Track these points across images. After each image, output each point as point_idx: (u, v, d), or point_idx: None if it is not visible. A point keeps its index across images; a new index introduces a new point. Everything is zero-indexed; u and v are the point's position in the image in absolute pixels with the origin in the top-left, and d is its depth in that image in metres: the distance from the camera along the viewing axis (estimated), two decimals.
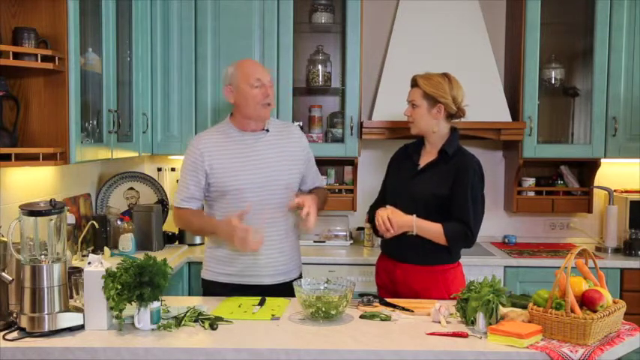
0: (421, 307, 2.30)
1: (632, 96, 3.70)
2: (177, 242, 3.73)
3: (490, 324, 2.01)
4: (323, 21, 3.89)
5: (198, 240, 3.71)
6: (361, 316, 2.21)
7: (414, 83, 2.64)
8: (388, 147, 3.66)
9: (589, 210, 3.88)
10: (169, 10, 3.67)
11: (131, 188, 3.75)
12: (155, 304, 2.03)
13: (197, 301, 2.35)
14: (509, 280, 3.54)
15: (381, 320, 2.17)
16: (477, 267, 3.44)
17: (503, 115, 3.70)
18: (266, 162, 2.55)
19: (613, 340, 1.97)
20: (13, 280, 2.05)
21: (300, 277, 2.68)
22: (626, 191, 3.89)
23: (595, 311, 1.95)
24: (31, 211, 1.99)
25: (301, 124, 3.94)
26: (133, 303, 2.01)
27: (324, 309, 2.12)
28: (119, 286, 1.97)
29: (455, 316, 2.20)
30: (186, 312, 2.14)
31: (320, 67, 3.89)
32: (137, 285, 1.98)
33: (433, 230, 2.52)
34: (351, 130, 3.74)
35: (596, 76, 3.71)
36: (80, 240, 3.15)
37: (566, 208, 3.91)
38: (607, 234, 3.82)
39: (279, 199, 2.55)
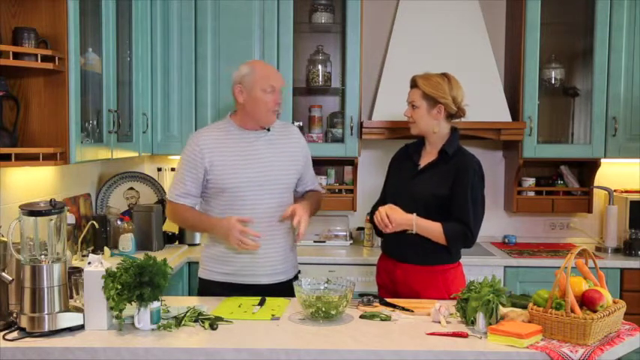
0: (421, 307, 2.30)
1: (632, 96, 3.70)
2: (177, 242, 3.73)
3: (490, 324, 2.01)
4: (323, 21, 3.90)
5: (198, 240, 3.71)
6: (361, 316, 2.21)
7: (414, 84, 2.64)
8: (388, 147, 3.66)
9: (589, 210, 3.88)
10: (169, 10, 3.67)
11: (131, 188, 3.75)
12: (155, 304, 2.03)
13: (197, 301, 2.35)
14: (509, 280, 3.54)
15: (381, 320, 2.17)
16: (477, 267, 3.44)
17: (503, 115, 3.70)
18: (266, 161, 2.55)
19: (613, 340, 1.97)
20: (13, 280, 2.05)
21: (297, 276, 2.68)
22: (626, 191, 3.89)
23: (595, 311, 1.95)
24: (31, 211, 1.99)
25: (301, 124, 3.94)
26: (133, 303, 2.01)
27: (324, 309, 2.12)
28: (119, 286, 1.97)
29: (455, 316, 2.20)
30: (186, 312, 2.14)
31: (320, 67, 3.89)
32: (137, 285, 1.98)
33: (433, 229, 2.52)
34: (351, 130, 3.74)
35: (596, 76, 3.71)
36: (80, 240, 3.15)
37: (566, 208, 3.92)
38: (607, 234, 3.82)
39: (277, 198, 2.56)
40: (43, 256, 2.00)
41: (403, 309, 2.28)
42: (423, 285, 2.56)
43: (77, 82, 2.65)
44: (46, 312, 1.96)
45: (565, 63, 3.93)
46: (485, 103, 3.58)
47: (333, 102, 4.09)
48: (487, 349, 1.90)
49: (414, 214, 2.52)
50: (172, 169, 4.00)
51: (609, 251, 3.78)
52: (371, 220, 2.69)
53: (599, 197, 4.00)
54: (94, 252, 3.17)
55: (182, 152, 2.59)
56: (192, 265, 3.44)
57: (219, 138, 2.55)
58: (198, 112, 3.71)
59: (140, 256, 2.16)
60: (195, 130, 3.64)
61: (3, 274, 2.03)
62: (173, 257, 3.30)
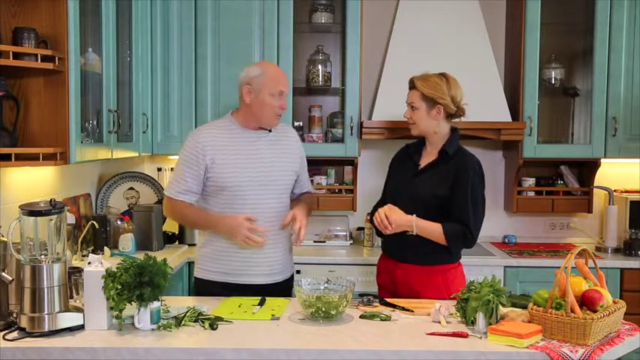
0: (421, 307, 2.30)
1: (632, 96, 3.71)
2: (177, 242, 3.73)
3: (490, 324, 2.01)
4: (323, 21, 3.90)
5: (198, 240, 3.70)
6: (361, 316, 2.21)
7: (412, 85, 2.64)
8: (388, 147, 3.67)
9: (589, 210, 3.88)
10: (169, 10, 3.67)
11: (131, 188, 3.75)
12: (155, 304, 2.03)
13: (197, 301, 2.35)
14: (509, 280, 3.54)
15: (381, 320, 2.18)
16: (477, 267, 3.44)
17: (503, 115, 3.70)
18: (267, 161, 2.55)
19: (613, 340, 1.97)
20: (13, 280, 2.05)
21: (292, 277, 2.68)
22: (626, 191, 3.89)
23: (595, 311, 1.95)
24: (31, 211, 1.99)
25: (301, 124, 3.94)
26: (133, 303, 2.01)
27: (324, 309, 2.12)
28: (119, 286, 1.97)
29: (455, 316, 2.20)
30: (186, 312, 2.14)
31: (320, 67, 3.89)
32: (137, 285, 1.98)
33: (433, 230, 2.52)
34: (351, 130, 3.74)
35: (596, 76, 3.71)
36: (80, 240, 3.15)
37: (566, 208, 3.92)
38: (607, 234, 3.82)
39: (277, 198, 2.56)
40: (43, 256, 2.00)
41: (403, 309, 2.28)
42: (423, 285, 2.56)
43: (77, 82, 2.65)
44: (46, 312, 1.96)
45: (565, 63, 3.93)
46: (485, 103, 3.58)
47: (333, 102, 4.09)
48: (487, 349, 1.90)
49: (414, 216, 2.52)
50: (172, 169, 3.99)
51: (609, 251, 3.78)
52: (371, 221, 2.69)
53: (599, 197, 4.00)
54: (94, 252, 3.17)
55: (182, 148, 2.57)
56: (193, 265, 3.41)
57: (221, 135, 2.55)
58: (198, 112, 3.71)
59: (140, 256, 2.16)
60: None
61: (3, 274, 2.03)
62: (173, 257, 3.30)
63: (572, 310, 1.92)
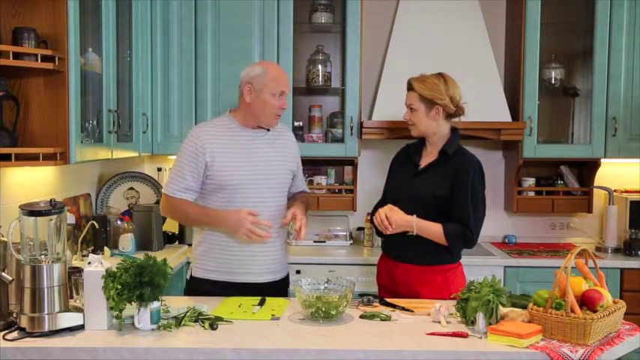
0: (421, 307, 2.30)
1: (632, 96, 3.71)
2: (177, 242, 3.73)
3: (490, 324, 2.01)
4: (323, 21, 3.90)
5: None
6: (361, 316, 2.21)
7: (410, 87, 2.63)
8: (388, 147, 3.67)
9: (589, 210, 3.89)
10: (169, 10, 3.67)
11: (131, 188, 3.75)
12: (155, 304, 2.03)
13: (197, 301, 2.35)
14: (509, 280, 3.54)
15: (381, 320, 2.17)
16: (477, 267, 3.44)
17: (503, 115, 3.70)
18: (265, 160, 2.55)
19: (613, 340, 1.97)
20: (13, 280, 2.05)
21: (288, 276, 2.69)
22: (626, 191, 3.90)
23: (595, 311, 1.95)
24: (31, 211, 1.99)
25: (301, 124, 3.94)
26: (133, 303, 2.01)
27: (324, 309, 2.12)
28: (119, 286, 1.97)
29: (455, 316, 2.20)
30: (186, 312, 2.14)
31: (320, 67, 3.89)
32: (137, 285, 1.98)
33: (433, 230, 2.52)
34: (351, 130, 3.74)
35: (596, 76, 3.71)
36: (80, 240, 3.15)
37: (566, 208, 3.92)
38: (607, 234, 3.82)
39: (276, 197, 2.57)
40: (43, 256, 2.00)
41: (403, 309, 2.28)
42: (423, 285, 2.56)
43: (77, 82, 2.65)
44: (46, 312, 1.96)
45: (565, 63, 3.93)
46: (485, 103, 3.58)
47: (333, 102, 4.09)
48: (487, 349, 1.90)
49: (414, 216, 2.52)
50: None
51: (609, 251, 3.78)
52: (371, 221, 2.69)
53: (599, 197, 4.00)
54: (94, 252, 3.17)
55: (181, 146, 2.55)
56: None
57: (220, 133, 2.54)
58: (198, 111, 3.71)
59: (140, 256, 2.16)
60: None
61: (3, 274, 2.03)
62: (173, 257, 3.30)
63: (572, 310, 1.92)
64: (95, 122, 2.95)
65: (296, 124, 3.86)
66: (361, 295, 2.42)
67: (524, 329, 1.92)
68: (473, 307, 2.07)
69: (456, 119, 2.65)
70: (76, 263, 2.81)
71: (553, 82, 3.90)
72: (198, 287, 2.58)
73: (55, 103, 2.59)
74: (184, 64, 3.70)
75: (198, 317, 2.13)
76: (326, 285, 2.27)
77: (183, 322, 2.08)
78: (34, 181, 2.91)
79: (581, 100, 3.93)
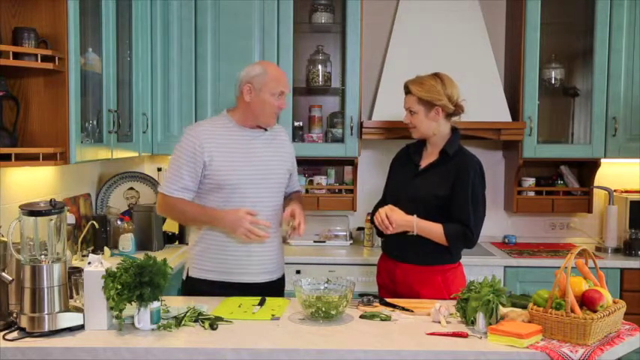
0: (421, 307, 2.30)
1: (632, 96, 3.71)
2: (177, 242, 3.73)
3: (490, 324, 2.01)
4: (323, 21, 3.90)
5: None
6: (361, 316, 2.21)
7: (407, 90, 2.63)
8: (388, 147, 3.67)
9: (589, 210, 3.88)
10: (169, 10, 3.67)
11: (131, 188, 3.75)
12: (155, 304, 2.03)
13: (197, 301, 2.35)
14: (509, 280, 3.54)
15: (381, 320, 2.17)
16: (477, 267, 3.44)
17: (503, 115, 3.70)
18: (263, 160, 2.55)
19: (613, 340, 1.97)
20: (13, 280, 2.05)
21: (284, 277, 2.69)
22: (626, 191, 3.90)
23: (595, 311, 1.95)
24: (31, 211, 1.99)
25: (301, 124, 3.94)
26: (133, 303, 2.01)
27: (324, 309, 2.12)
28: (119, 286, 1.97)
29: (455, 316, 2.20)
30: (186, 312, 2.14)
31: (320, 67, 3.89)
32: (137, 285, 1.98)
33: (434, 231, 2.52)
34: (351, 130, 3.74)
35: (596, 76, 3.71)
36: (80, 240, 3.15)
37: (566, 208, 3.92)
38: (607, 234, 3.82)
39: (272, 196, 2.57)
40: (43, 256, 2.00)
41: (403, 309, 2.28)
42: (423, 285, 2.56)
43: (77, 82, 2.65)
44: (46, 312, 1.96)
45: (565, 63, 3.93)
46: (485, 103, 3.58)
47: (333, 102, 4.09)
48: (487, 349, 1.90)
49: (415, 216, 2.52)
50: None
51: (609, 251, 3.78)
52: (372, 221, 2.69)
53: (599, 197, 4.00)
54: (94, 252, 3.17)
55: (178, 145, 2.54)
56: None
57: (218, 133, 2.54)
58: (198, 111, 3.70)
59: (140, 256, 2.16)
60: None
61: (3, 274, 2.03)
62: (173, 257, 3.30)
63: (572, 310, 1.92)
64: (95, 122, 2.95)
65: (296, 124, 3.86)
66: (361, 295, 2.42)
67: (524, 329, 1.92)
68: (473, 307, 2.07)
69: (456, 118, 2.65)
70: (76, 263, 2.81)
71: (553, 82, 3.90)
72: (194, 287, 2.57)
73: (55, 103, 2.59)
74: (184, 64, 3.69)
75: (198, 317, 2.13)
76: (326, 285, 2.27)
77: (183, 322, 2.08)
78: (34, 181, 2.91)
79: (581, 100, 3.93)
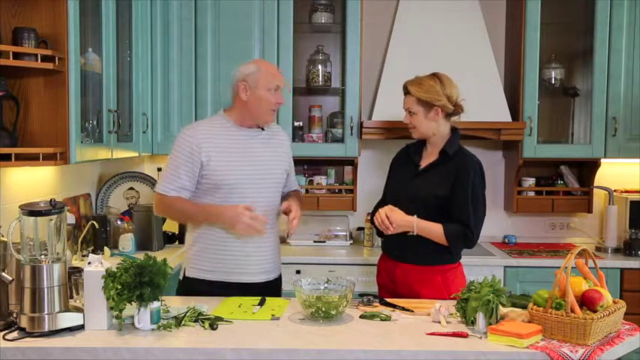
0: (421, 307, 2.30)
1: (632, 96, 3.71)
2: (177, 242, 3.72)
3: (490, 324, 2.01)
4: (323, 21, 3.90)
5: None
6: (361, 316, 2.21)
7: (406, 91, 2.63)
8: (388, 147, 3.67)
9: (589, 210, 3.89)
10: (169, 10, 3.67)
11: (131, 188, 3.75)
12: (155, 304, 2.03)
13: (197, 301, 2.35)
14: (509, 280, 3.54)
15: (381, 320, 2.17)
16: (477, 267, 3.44)
17: (503, 115, 3.70)
18: (260, 159, 2.55)
19: (613, 340, 1.97)
20: (13, 280, 2.05)
21: (281, 277, 2.69)
22: (626, 191, 3.90)
23: (595, 311, 1.95)
24: (31, 211, 1.99)
25: (301, 124, 3.94)
26: (133, 303, 2.01)
27: (324, 309, 2.12)
28: (119, 286, 1.97)
29: (455, 316, 2.20)
30: (186, 312, 2.14)
31: (320, 67, 3.89)
32: (137, 285, 1.98)
33: (434, 231, 2.52)
34: (351, 130, 3.74)
35: (596, 76, 3.71)
36: (80, 240, 3.15)
37: (566, 208, 3.92)
38: (607, 234, 3.82)
39: (269, 196, 2.56)
40: (43, 256, 2.00)
41: (403, 309, 2.28)
42: (423, 285, 2.56)
43: (77, 82, 2.65)
44: (46, 312, 1.96)
45: (565, 63, 3.93)
46: (485, 103, 3.58)
47: (333, 102, 4.09)
48: (487, 349, 1.90)
49: (415, 216, 2.52)
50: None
51: (609, 251, 3.78)
52: (372, 221, 2.69)
53: (599, 197, 4.00)
54: (94, 252, 3.17)
55: (175, 145, 2.53)
56: None
57: (215, 133, 2.53)
58: (198, 111, 3.70)
59: (140, 256, 2.16)
60: None
61: (3, 274, 2.03)
62: (173, 257, 3.30)
63: (572, 310, 1.92)
64: (95, 122, 2.95)
65: (296, 124, 3.86)
66: (361, 295, 2.42)
67: (524, 329, 1.92)
68: (473, 307, 2.07)
69: (456, 118, 2.65)
70: (76, 263, 2.81)
71: (553, 82, 3.90)
72: (192, 287, 2.57)
73: (55, 103, 2.59)
74: (184, 64, 3.69)
75: (198, 317, 2.13)
76: (326, 285, 2.27)
77: (183, 322, 2.08)
78: (34, 181, 2.91)
79: (581, 100, 3.93)
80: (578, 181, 3.98)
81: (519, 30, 3.76)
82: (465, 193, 2.52)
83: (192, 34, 3.68)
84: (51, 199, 2.02)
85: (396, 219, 2.51)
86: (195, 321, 2.11)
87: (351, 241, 3.95)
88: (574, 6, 3.89)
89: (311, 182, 3.96)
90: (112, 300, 1.97)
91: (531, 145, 3.75)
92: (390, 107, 3.59)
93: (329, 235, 3.95)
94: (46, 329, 1.95)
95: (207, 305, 2.27)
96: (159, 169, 3.98)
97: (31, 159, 2.50)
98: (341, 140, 3.82)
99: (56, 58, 2.52)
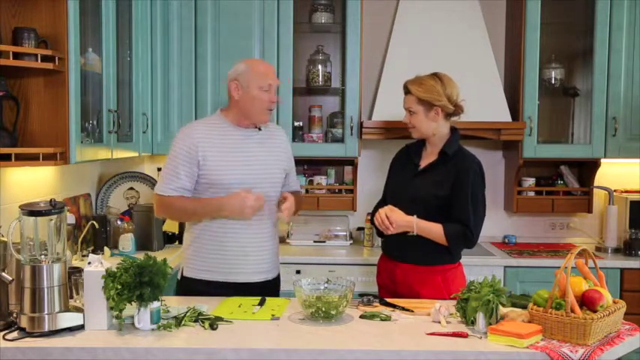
0: (421, 307, 2.30)
1: (632, 96, 3.71)
2: (177, 242, 3.72)
3: (490, 324, 2.01)
4: (323, 21, 3.90)
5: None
6: (361, 316, 2.21)
7: (407, 90, 2.63)
8: (388, 147, 3.67)
9: (589, 210, 3.89)
10: (169, 10, 3.67)
11: (131, 188, 3.75)
12: (155, 304, 2.03)
13: (197, 301, 2.35)
14: (509, 280, 3.54)
15: (381, 320, 2.17)
16: (477, 267, 3.44)
17: (503, 115, 3.70)
18: (256, 159, 2.55)
19: (613, 340, 1.97)
20: (13, 280, 2.05)
21: (279, 277, 2.69)
22: (626, 191, 3.90)
23: (595, 311, 1.95)
24: (31, 211, 1.99)
25: (301, 124, 3.94)
26: (133, 303, 2.01)
27: (324, 309, 2.12)
28: (119, 286, 1.97)
29: (455, 316, 2.20)
30: (186, 312, 2.14)
31: (320, 67, 3.89)
32: (137, 285, 1.98)
33: (434, 231, 2.52)
34: (351, 130, 3.74)
35: (596, 76, 3.71)
36: (80, 240, 3.15)
37: (566, 208, 3.92)
38: (607, 234, 3.82)
39: (266, 196, 2.55)
40: (43, 256, 2.00)
41: (403, 309, 2.28)
42: (423, 285, 2.56)
43: (77, 82, 2.65)
44: (46, 312, 1.96)
45: (565, 63, 3.93)
46: (485, 103, 3.58)
47: (333, 102, 4.09)
48: (487, 349, 1.90)
49: (415, 216, 2.52)
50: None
51: (609, 251, 3.79)
52: (372, 221, 2.69)
53: (599, 197, 4.00)
54: (94, 252, 3.17)
55: (173, 146, 2.53)
56: None
57: (212, 132, 2.53)
58: (198, 111, 3.70)
59: (140, 256, 2.16)
60: None
61: (3, 274, 2.03)
62: (173, 257, 3.29)
63: (572, 310, 1.92)
64: (95, 122, 2.95)
65: (296, 124, 3.86)
66: (361, 295, 2.42)
67: (524, 329, 1.92)
68: (473, 307, 2.07)
69: (456, 118, 2.65)
70: (76, 263, 2.81)
71: (553, 82, 3.90)
72: (189, 287, 2.57)
73: (55, 103, 2.59)
74: (184, 64, 3.69)
75: (198, 317, 2.13)
76: (326, 285, 2.27)
77: (183, 322, 2.08)
78: (34, 181, 2.91)
79: (581, 100, 3.93)
80: (578, 181, 3.98)
81: (519, 30, 3.76)
82: (465, 194, 2.52)
83: (192, 34, 3.68)
84: (51, 199, 2.02)
85: (396, 219, 2.51)
86: (195, 321, 2.11)
87: (351, 241, 3.95)
88: (574, 6, 3.89)
89: (311, 182, 3.96)
90: (112, 300, 1.98)
91: (531, 145, 3.75)
92: (390, 107, 3.59)
93: (329, 235, 3.95)
94: (46, 329, 1.95)
95: (207, 305, 2.27)
96: (159, 169, 3.97)
97: (31, 159, 2.50)
98: (341, 140, 3.82)
99: (56, 58, 2.52)
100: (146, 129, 3.57)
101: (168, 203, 2.53)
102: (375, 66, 3.97)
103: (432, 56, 3.60)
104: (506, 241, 4.02)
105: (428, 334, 2.03)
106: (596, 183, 3.87)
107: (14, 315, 2.04)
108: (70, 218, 2.99)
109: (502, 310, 2.05)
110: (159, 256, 2.16)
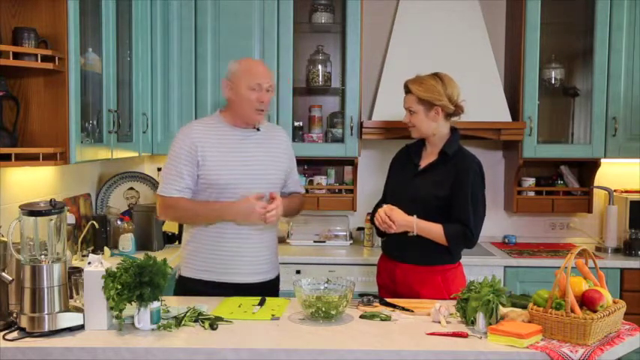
0: (421, 307, 2.30)
1: (632, 96, 3.71)
2: (177, 242, 3.72)
3: (490, 324, 2.01)
4: (323, 21, 3.90)
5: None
6: (361, 316, 2.21)
7: (407, 90, 2.63)
8: (388, 147, 3.67)
9: (589, 210, 3.89)
10: (169, 10, 3.67)
11: (131, 188, 3.75)
12: (155, 304, 2.03)
13: (197, 301, 2.35)
14: (509, 280, 3.54)
15: (381, 320, 2.17)
16: (477, 267, 3.44)
17: (503, 115, 3.70)
18: (254, 160, 2.55)
19: (613, 340, 1.97)
20: (13, 280, 2.05)
21: (278, 277, 2.69)
22: (626, 191, 3.90)
23: (595, 311, 1.95)
24: (31, 211, 1.99)
25: (301, 124, 3.94)
26: (133, 303, 2.01)
27: (324, 309, 2.12)
28: (119, 286, 1.97)
29: (455, 316, 2.20)
30: (186, 312, 2.14)
31: (320, 67, 3.89)
32: (137, 285, 1.98)
33: (434, 231, 2.52)
34: (351, 130, 3.74)
35: (596, 76, 3.71)
36: (80, 240, 3.15)
37: (566, 208, 3.92)
38: (607, 234, 3.82)
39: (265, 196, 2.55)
40: (43, 256, 2.00)
41: (403, 309, 2.28)
42: (423, 285, 2.56)
43: (77, 82, 2.65)
44: (46, 312, 1.96)
45: (565, 63, 3.93)
46: (485, 103, 3.58)
47: (333, 102, 4.09)
48: (487, 349, 1.90)
49: (415, 217, 2.52)
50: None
51: (609, 251, 3.79)
52: (372, 221, 2.69)
53: (599, 197, 4.00)
54: (94, 252, 3.17)
55: (173, 146, 2.53)
56: None
57: (210, 132, 2.54)
58: (198, 111, 3.70)
59: (140, 256, 2.16)
60: None
61: (3, 274, 2.03)
62: (173, 257, 3.29)
63: (572, 310, 1.92)
64: (95, 122, 2.95)
65: (296, 124, 3.86)
66: (361, 295, 2.42)
67: (524, 329, 1.92)
68: (473, 307, 2.07)
69: (456, 118, 2.65)
70: (76, 263, 2.81)
71: (553, 82, 3.90)
72: (187, 287, 2.57)
73: (55, 103, 2.59)
74: (184, 64, 3.69)
75: (198, 317, 2.13)
76: (326, 285, 2.27)
77: (183, 322, 2.08)
78: (34, 181, 2.91)
79: (581, 100, 3.93)
80: (578, 181, 3.98)
81: (519, 30, 3.76)
82: (465, 194, 2.52)
83: (192, 34, 3.68)
84: (51, 199, 2.02)
85: (397, 218, 2.51)
86: (195, 321, 2.11)
87: (351, 241, 3.95)
88: (574, 6, 3.89)
89: (311, 182, 3.96)
90: (112, 300, 1.98)
91: (531, 145, 3.75)
92: (390, 107, 3.59)
93: (329, 235, 3.95)
94: (46, 329, 1.95)
95: (207, 305, 2.27)
96: (159, 169, 3.97)
97: (31, 159, 2.50)
98: (341, 140, 3.82)
99: (56, 58, 2.52)
100: (146, 129, 3.57)
101: (170, 204, 2.52)
102: (375, 66, 3.97)
103: (432, 56, 3.60)
104: (506, 241, 4.02)
105: (428, 334, 2.03)
106: (596, 183, 3.87)
107: (14, 315, 2.04)
108: (70, 218, 2.99)
109: (502, 310, 2.05)
110: (159, 256, 2.16)
